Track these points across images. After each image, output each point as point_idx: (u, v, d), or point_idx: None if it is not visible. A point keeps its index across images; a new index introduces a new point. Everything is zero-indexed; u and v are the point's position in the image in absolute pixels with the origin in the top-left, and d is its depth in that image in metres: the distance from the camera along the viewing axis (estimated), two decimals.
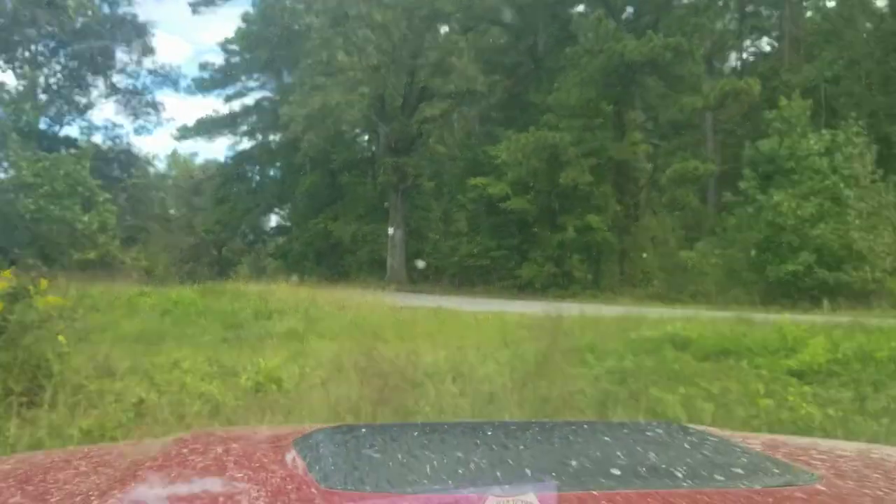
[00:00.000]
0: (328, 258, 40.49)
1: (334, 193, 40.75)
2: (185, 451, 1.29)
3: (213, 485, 1.12)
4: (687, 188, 24.62)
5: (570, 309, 20.12)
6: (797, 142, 23.99)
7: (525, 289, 29.91)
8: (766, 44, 42.12)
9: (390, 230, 33.81)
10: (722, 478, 1.08)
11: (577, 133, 26.07)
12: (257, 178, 51.17)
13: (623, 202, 28.87)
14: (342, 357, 9.55)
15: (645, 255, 28.96)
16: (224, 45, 45.76)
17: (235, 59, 45.88)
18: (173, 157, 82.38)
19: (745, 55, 40.57)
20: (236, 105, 46.63)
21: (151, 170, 67.44)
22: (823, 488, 1.07)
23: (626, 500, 0.97)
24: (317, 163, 40.60)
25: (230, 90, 45.10)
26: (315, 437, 1.27)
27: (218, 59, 47.63)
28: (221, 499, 1.04)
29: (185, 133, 43.94)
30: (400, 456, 1.16)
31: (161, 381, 7.38)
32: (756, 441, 1.43)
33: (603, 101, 27.78)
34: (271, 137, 47.39)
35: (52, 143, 39.86)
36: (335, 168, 39.21)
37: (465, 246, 32.22)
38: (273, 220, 54.55)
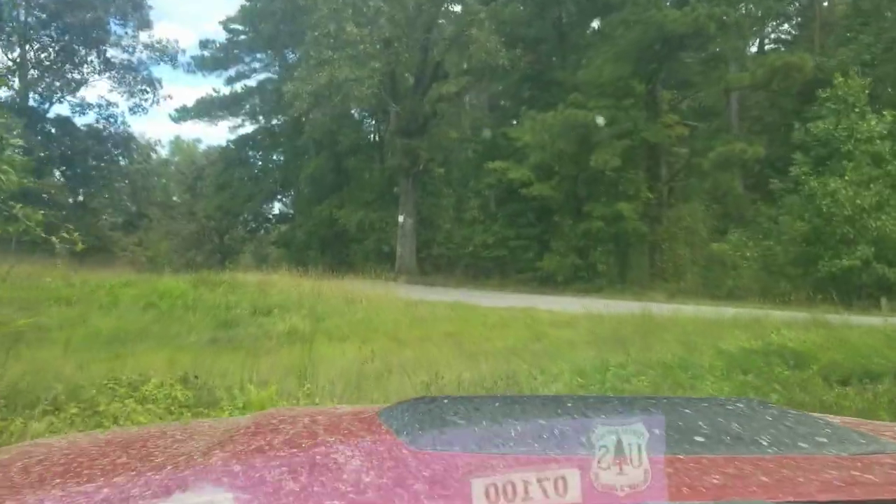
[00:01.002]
0: (333, 247, 38.27)
1: (340, 179, 38.45)
2: (274, 421, 1.32)
3: (307, 447, 1.13)
4: (732, 173, 22.32)
5: (608, 306, 17.95)
6: (855, 123, 21.66)
7: (546, 282, 27.68)
8: (787, 31, 39.91)
9: (400, 218, 31.53)
10: (807, 446, 1.07)
11: (610, 113, 23.70)
12: (260, 163, 48.87)
13: (655, 189, 26.55)
14: (365, 370, 7.37)
15: (684, 247, 26.72)
16: (226, 24, 43.47)
17: (238, 38, 43.53)
18: (176, 143, 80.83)
19: (766, 42, 38.35)
20: (238, 87, 44.36)
21: (153, 155, 67.02)
22: None
23: (713, 464, 0.97)
24: (322, 146, 38.33)
25: (232, 71, 42.80)
26: (399, 408, 1.29)
27: (220, 37, 45.36)
28: (318, 457, 1.06)
29: (183, 114, 41.59)
30: (484, 422, 1.17)
31: (104, 414, 5.18)
32: (834, 419, 1.36)
33: (636, 78, 25.42)
34: (274, 121, 45.15)
35: (42, 121, 37.74)
36: (341, 151, 36.86)
37: (479, 235, 29.93)
38: (277, 208, 52.65)
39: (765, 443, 1.08)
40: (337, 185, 38.13)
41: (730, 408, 1.34)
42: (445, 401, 1.36)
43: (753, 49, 34.24)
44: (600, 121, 22.67)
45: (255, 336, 12.25)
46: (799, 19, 38.69)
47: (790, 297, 23.85)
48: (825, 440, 1.12)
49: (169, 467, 1.04)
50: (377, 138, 40.41)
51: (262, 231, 54.90)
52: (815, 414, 1.43)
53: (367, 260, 33.53)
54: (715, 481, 0.94)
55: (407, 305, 17.84)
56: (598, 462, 0.93)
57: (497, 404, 1.35)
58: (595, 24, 29.80)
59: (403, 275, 28.99)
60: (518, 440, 1.05)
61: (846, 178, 21.15)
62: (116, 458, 1.14)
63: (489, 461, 0.96)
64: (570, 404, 1.31)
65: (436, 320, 15.67)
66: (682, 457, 0.98)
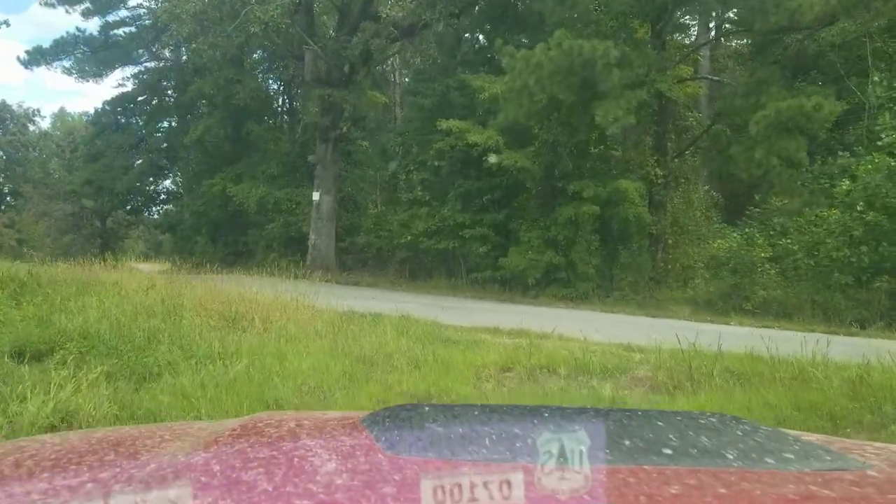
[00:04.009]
0: (227, 233, 30.24)
1: (237, 147, 30.37)
2: (260, 424, 1.35)
3: (288, 449, 1.17)
4: (796, 140, 15.81)
5: (654, 329, 11.28)
6: None
7: (508, 285, 20.64)
8: None
9: (315, 195, 23.92)
10: (773, 461, 1.09)
11: (619, 50, 16.68)
12: (143, 129, 39.78)
13: (663, 164, 19.78)
14: None
15: (693, 243, 20.14)
16: None
17: None
18: (60, 116, 70.55)
19: None
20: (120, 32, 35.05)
21: (31, 127, 59.47)
22: (874, 473, 1.06)
23: (677, 476, 0.99)
24: (214, 104, 30.14)
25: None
26: (381, 414, 1.32)
27: None
28: (296, 460, 1.09)
29: (37, 56, 32.38)
30: (461, 430, 1.19)
31: None
32: (810, 437, 1.39)
33: (644, 10, 18.63)
34: (163, 81, 36.66)
35: None
36: (239, 110, 28.71)
37: (422, 221, 22.53)
38: (167, 185, 44.08)
39: (731, 456, 1.08)
40: (233, 154, 30.05)
41: (702, 422, 1.34)
42: (427, 408, 1.38)
43: None
44: (614, 54, 15.64)
45: None
46: None
47: (844, 314, 17.58)
48: (791, 456, 1.12)
49: (152, 465, 1.07)
50: (287, 96, 32.45)
51: (149, 213, 46.70)
52: (792, 431, 1.42)
53: (269, 250, 25.78)
54: (673, 491, 0.95)
55: (331, 326, 10.43)
56: (542, 468, 0.97)
57: (476, 412, 1.36)
58: None
59: (318, 270, 21.56)
60: (492, 448, 1.06)
61: None
62: (104, 456, 1.17)
63: (458, 466, 0.99)
64: (546, 414, 1.32)
65: (393, 368, 8.36)
66: (646, 467, 1.00)
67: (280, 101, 35.55)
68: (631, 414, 1.43)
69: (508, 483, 0.92)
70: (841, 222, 17.49)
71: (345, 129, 23.92)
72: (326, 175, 23.84)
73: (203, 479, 1.02)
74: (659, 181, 19.62)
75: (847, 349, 9.24)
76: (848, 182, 18.01)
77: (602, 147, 20.12)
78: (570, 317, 16.06)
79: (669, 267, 20.52)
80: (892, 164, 15.53)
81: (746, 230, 22.75)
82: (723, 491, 0.96)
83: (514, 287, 20.45)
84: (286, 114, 34.17)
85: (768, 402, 7.26)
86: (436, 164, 21.48)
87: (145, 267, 21.33)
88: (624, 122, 16.40)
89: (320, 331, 9.75)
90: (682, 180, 20.92)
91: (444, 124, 19.94)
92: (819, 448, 1.20)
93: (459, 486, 0.91)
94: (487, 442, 1.10)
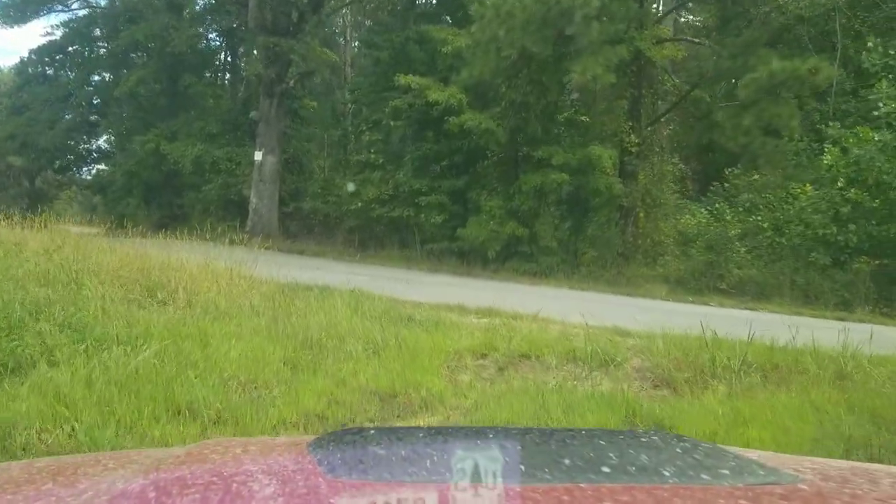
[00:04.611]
0: (160, 195, 27.96)
1: (174, 101, 28.00)
2: (206, 451, 1.34)
3: (228, 475, 1.16)
4: (789, 106, 14.49)
5: (655, 311, 9.95)
6: None
7: (466, 257, 19.10)
8: None
9: (257, 156, 21.94)
10: (708, 477, 1.10)
11: (599, 2, 15.10)
12: (72, 81, 36.79)
13: (638, 130, 18.36)
14: None
15: (662, 217, 18.83)
16: None
17: None
18: None
19: None
20: None
21: None
22: (805, 487, 1.09)
23: (612, 493, 1.00)
24: (150, 53, 27.71)
25: None
26: (327, 439, 1.32)
27: None
28: (234, 486, 1.09)
29: None
30: (403, 453, 1.20)
31: None
32: (750, 453, 1.37)
33: None
34: (97, 33, 33.88)
35: None
36: (174, 60, 26.35)
37: (374, 186, 20.77)
38: (100, 143, 41.12)
39: (667, 473, 1.09)
40: (169, 110, 27.68)
41: (643, 440, 1.35)
42: (372, 431, 1.36)
43: None
44: (595, 4, 14.06)
45: None
46: None
47: (828, 298, 16.54)
48: (727, 472, 1.13)
49: (88, 494, 1.07)
50: (229, 50, 30.16)
51: (79, 173, 43.74)
52: (732, 448, 1.39)
53: (206, 214, 23.70)
54: None
55: (269, 300, 8.74)
56: (455, 486, 0.98)
57: (421, 435, 1.36)
58: None
59: (259, 237, 19.70)
60: (432, 470, 1.07)
61: None
62: (42, 485, 1.16)
63: (396, 488, 1.00)
64: (491, 436, 1.32)
65: (347, 355, 6.77)
66: (582, 485, 1.01)
67: (223, 56, 33.17)
68: (575, 433, 1.41)
69: (423, 502, 0.93)
70: (827, 198, 16.37)
71: (291, 83, 21.91)
72: (270, 133, 21.87)
73: None
74: (633, 149, 18.21)
75: (856, 336, 7.99)
76: (829, 156, 16.91)
77: (574, 111, 18.60)
78: (538, 294, 14.62)
79: (640, 242, 19.20)
80: (888, 136, 14.35)
81: (717, 205, 21.68)
82: None
83: (472, 260, 18.92)
84: (228, 70, 31.82)
85: (815, 404, 5.87)
86: (391, 123, 19.72)
87: (76, 230, 19.23)
88: (603, 80, 14.90)
89: (257, 307, 8.05)
90: (658, 149, 19.55)
91: (402, 80, 18.14)
92: (754, 463, 1.21)
93: None
94: (429, 464, 1.10)
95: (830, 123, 16.53)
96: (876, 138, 14.40)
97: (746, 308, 14.94)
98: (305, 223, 23.68)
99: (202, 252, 11.21)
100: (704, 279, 17.79)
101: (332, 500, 0.97)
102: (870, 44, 15.99)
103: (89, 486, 1.11)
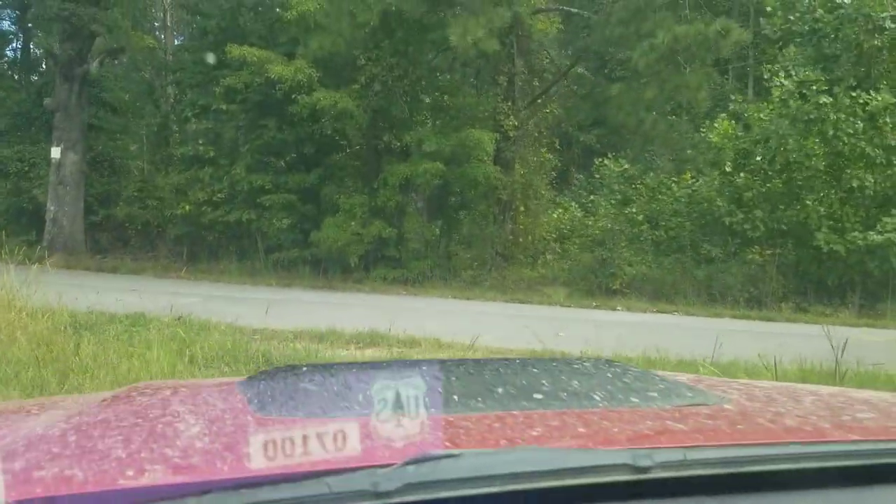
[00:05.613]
0: None
1: None
2: (134, 393, 1.31)
3: (154, 416, 1.11)
4: (696, 73, 12.60)
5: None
6: None
7: (325, 267, 16.11)
8: None
9: (54, 153, 17.81)
10: (637, 400, 1.09)
11: None
12: None
13: (515, 111, 16.04)
14: None
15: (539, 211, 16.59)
16: None
17: None
18: None
19: None
20: None
21: None
22: (730, 407, 1.09)
23: (543, 418, 0.99)
24: None
25: None
26: (259, 378, 1.27)
27: None
28: (159, 426, 1.05)
29: None
30: (336, 388, 1.17)
31: None
32: (682, 377, 1.39)
33: None
34: None
35: None
36: None
37: (204, 185, 17.21)
38: None
39: (598, 398, 1.08)
40: None
41: (576, 367, 1.34)
42: (305, 368, 1.34)
43: None
44: None
45: None
46: None
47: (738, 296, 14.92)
48: (655, 395, 1.12)
49: (7, 440, 1.02)
50: (21, 29, 25.29)
51: None
52: (663, 372, 1.38)
53: None
54: (534, 433, 0.95)
55: (43, 344, 5.41)
56: (377, 416, 0.96)
57: (354, 370, 1.33)
58: None
59: (59, 253, 15.93)
60: (364, 404, 1.03)
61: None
62: None
63: (324, 424, 0.96)
64: (425, 367, 1.30)
65: None
66: (515, 412, 0.99)
67: (15, 43, 28.12)
68: (509, 362, 1.42)
69: (343, 434, 0.91)
70: (728, 181, 14.76)
71: (95, 63, 17.92)
72: (70, 125, 17.81)
73: (55, 450, 0.98)
74: (511, 134, 15.86)
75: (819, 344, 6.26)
76: (715, 136, 15.38)
77: (445, 95, 16.06)
78: (418, 307, 11.93)
79: (520, 240, 16.89)
80: (802, 104, 12.77)
81: (591, 198, 19.98)
82: (582, 430, 0.97)
83: (330, 269, 15.97)
84: (21, 54, 26.89)
85: None
86: (223, 108, 16.29)
87: None
88: (485, 46, 12.36)
89: (16, 358, 4.77)
90: (536, 134, 17.34)
91: (235, 52, 14.82)
92: (682, 386, 1.21)
93: (291, 440, 0.90)
94: (361, 398, 1.07)
95: (733, 97, 14.93)
96: (791, 104, 12.78)
97: (660, 311, 12.98)
98: (119, 234, 19.65)
99: None
100: (596, 279, 15.76)
101: (259, 437, 0.94)
102: (768, 8, 14.52)
103: (8, 431, 1.06)
